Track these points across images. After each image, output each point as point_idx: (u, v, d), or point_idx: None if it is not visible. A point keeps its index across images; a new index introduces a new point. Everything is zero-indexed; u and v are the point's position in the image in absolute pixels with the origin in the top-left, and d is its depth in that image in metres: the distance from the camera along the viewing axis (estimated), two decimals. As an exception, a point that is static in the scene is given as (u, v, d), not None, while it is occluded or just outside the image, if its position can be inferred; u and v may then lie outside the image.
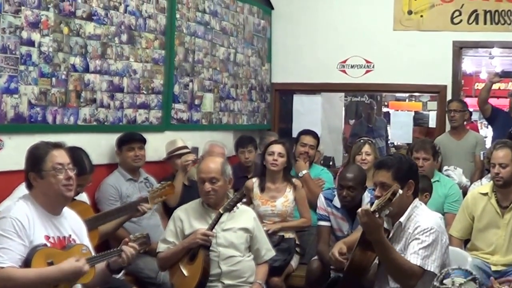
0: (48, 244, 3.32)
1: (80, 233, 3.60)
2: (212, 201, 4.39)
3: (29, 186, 3.45)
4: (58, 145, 3.50)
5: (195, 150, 6.10)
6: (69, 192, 3.45)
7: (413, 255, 3.70)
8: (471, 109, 12.10)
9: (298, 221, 5.58)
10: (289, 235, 5.47)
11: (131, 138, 5.35)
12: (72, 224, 3.56)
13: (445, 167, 6.68)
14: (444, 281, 3.33)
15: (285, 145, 5.63)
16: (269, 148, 5.55)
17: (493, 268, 4.85)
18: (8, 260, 3.12)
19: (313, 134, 6.46)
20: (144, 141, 5.42)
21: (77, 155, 4.25)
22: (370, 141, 6.15)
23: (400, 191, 3.63)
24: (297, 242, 5.56)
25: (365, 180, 5.05)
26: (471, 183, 6.40)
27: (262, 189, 5.52)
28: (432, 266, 3.69)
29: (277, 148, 5.52)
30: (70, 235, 3.49)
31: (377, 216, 3.62)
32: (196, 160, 5.72)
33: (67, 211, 3.57)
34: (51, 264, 3.25)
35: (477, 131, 10.53)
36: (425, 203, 4.90)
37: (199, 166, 4.55)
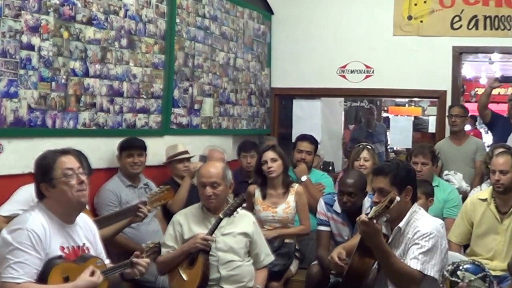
0: (63, 255, 3.29)
1: (93, 239, 3.57)
2: (212, 205, 4.39)
3: (41, 197, 3.37)
4: (65, 151, 3.44)
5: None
6: (83, 198, 3.40)
7: (413, 260, 3.71)
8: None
9: (296, 228, 5.57)
10: (289, 239, 5.46)
11: (130, 145, 5.34)
12: (85, 231, 3.53)
13: (445, 172, 6.69)
14: (458, 273, 3.33)
15: (276, 149, 5.62)
16: (262, 158, 5.55)
17: (492, 273, 4.79)
18: (24, 275, 3.08)
19: (310, 139, 6.45)
20: (144, 148, 5.40)
21: None
22: (368, 147, 6.15)
23: (398, 198, 3.65)
24: (296, 247, 5.56)
25: (365, 186, 5.05)
26: (471, 188, 6.40)
27: (264, 196, 5.52)
28: (432, 271, 3.70)
29: (268, 155, 5.51)
30: (84, 244, 3.46)
31: (374, 222, 3.64)
32: None
33: (79, 216, 3.52)
34: (67, 279, 3.21)
35: (481, 138, 10.52)
36: (428, 208, 4.93)
37: (200, 171, 4.54)
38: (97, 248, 3.60)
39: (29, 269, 3.10)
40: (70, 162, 3.38)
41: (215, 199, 4.39)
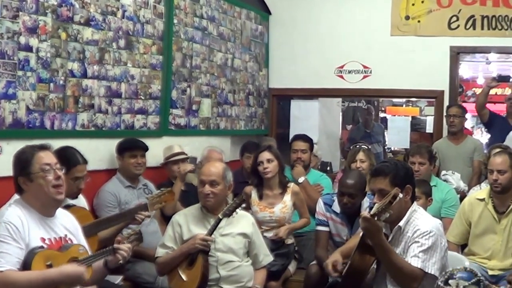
0: (45, 246, 3.32)
1: (75, 232, 3.61)
2: (210, 204, 4.39)
3: (20, 191, 3.44)
4: (44, 147, 3.49)
5: (193, 160, 6.06)
6: (59, 195, 3.43)
7: (414, 258, 3.72)
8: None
9: (301, 221, 5.56)
10: (288, 240, 5.47)
11: (134, 145, 5.34)
12: (66, 223, 3.56)
13: (443, 172, 6.69)
14: (450, 282, 3.34)
15: (272, 150, 5.60)
16: (258, 158, 5.53)
17: (490, 272, 4.86)
18: (6, 263, 3.12)
19: (304, 138, 6.47)
20: (146, 149, 5.42)
21: (68, 150, 4.30)
22: (364, 148, 6.15)
23: (401, 195, 3.66)
24: (295, 248, 5.56)
25: (365, 186, 5.05)
26: (469, 188, 6.41)
27: (260, 196, 5.52)
28: (432, 269, 3.71)
29: (264, 155, 5.48)
30: (66, 235, 3.49)
31: (376, 219, 3.65)
32: (194, 170, 5.72)
33: (60, 211, 3.56)
34: (50, 266, 3.25)
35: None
36: (427, 208, 4.93)
37: (201, 169, 4.55)
38: (80, 240, 3.61)
39: (10, 258, 3.15)
40: (48, 157, 3.43)
41: (212, 198, 4.38)
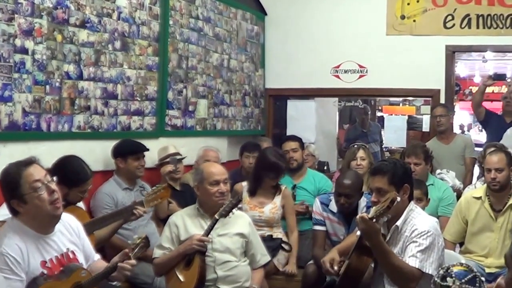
0: (45, 271, 3.21)
1: (78, 240, 3.53)
2: (223, 202, 4.39)
3: (14, 213, 3.25)
4: (28, 162, 3.27)
5: (174, 160, 5.95)
6: (57, 211, 3.28)
7: (412, 258, 3.74)
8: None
9: (295, 238, 5.62)
10: (277, 234, 5.51)
11: (138, 149, 5.33)
12: (68, 235, 3.46)
13: (438, 171, 6.68)
14: (447, 279, 3.35)
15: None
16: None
17: (487, 270, 4.88)
18: None
19: (292, 138, 6.57)
20: (147, 150, 5.43)
21: (75, 163, 4.30)
22: (364, 146, 6.16)
23: (398, 199, 3.67)
24: (284, 239, 5.56)
25: (361, 186, 5.07)
26: (464, 186, 6.42)
27: (253, 193, 5.53)
28: (430, 269, 3.72)
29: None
30: (68, 249, 3.40)
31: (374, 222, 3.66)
32: (175, 171, 5.67)
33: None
34: None
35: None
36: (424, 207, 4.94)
37: (209, 170, 4.50)
38: (84, 246, 3.56)
39: None
40: (36, 172, 3.23)
41: (227, 196, 4.43)
